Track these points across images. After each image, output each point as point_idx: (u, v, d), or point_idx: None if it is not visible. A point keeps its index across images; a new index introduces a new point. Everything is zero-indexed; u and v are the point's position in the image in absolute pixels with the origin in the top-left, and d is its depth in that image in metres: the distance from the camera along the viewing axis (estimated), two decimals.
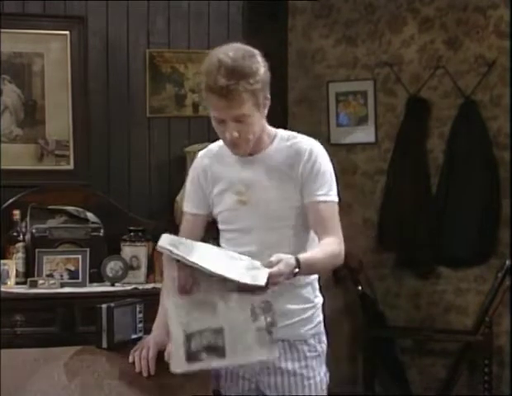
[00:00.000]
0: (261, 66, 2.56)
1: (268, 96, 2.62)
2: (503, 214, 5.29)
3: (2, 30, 4.73)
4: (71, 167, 4.93)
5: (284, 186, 2.65)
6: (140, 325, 2.85)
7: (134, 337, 2.82)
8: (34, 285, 4.30)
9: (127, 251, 4.57)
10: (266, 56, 5.51)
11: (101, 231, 4.60)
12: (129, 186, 5.07)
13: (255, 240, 2.66)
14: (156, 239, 4.78)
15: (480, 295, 5.34)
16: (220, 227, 2.80)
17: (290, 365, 2.70)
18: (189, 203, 2.85)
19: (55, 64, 4.89)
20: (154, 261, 4.60)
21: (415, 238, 5.41)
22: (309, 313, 2.73)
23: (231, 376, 2.77)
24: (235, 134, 2.57)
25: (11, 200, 4.69)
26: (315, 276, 2.78)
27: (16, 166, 4.82)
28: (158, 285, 4.36)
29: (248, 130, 2.58)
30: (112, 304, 2.76)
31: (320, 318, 2.79)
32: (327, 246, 2.64)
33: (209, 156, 2.80)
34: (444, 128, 5.42)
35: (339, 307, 5.46)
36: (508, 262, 5.09)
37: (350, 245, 5.77)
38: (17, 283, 4.40)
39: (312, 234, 2.71)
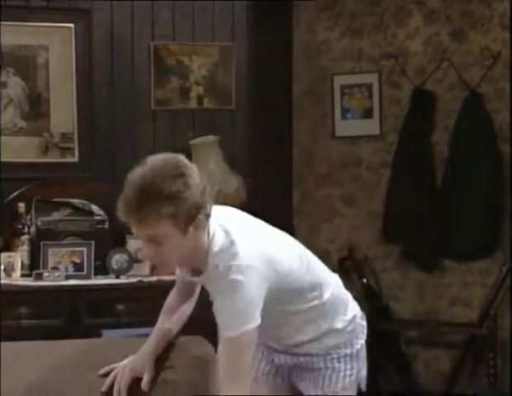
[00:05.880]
0: (190, 188, 2.36)
1: (203, 216, 2.41)
2: (507, 207, 5.28)
3: (7, 22, 4.73)
4: (76, 159, 4.93)
5: None
6: None
7: None
8: (39, 277, 4.31)
9: (132, 243, 4.57)
10: (271, 49, 5.49)
11: (106, 224, 4.61)
12: None
13: None
14: None
15: (485, 288, 5.33)
16: None
17: (315, 364, 2.74)
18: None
19: (60, 57, 4.89)
20: None
21: (420, 230, 5.40)
22: (322, 338, 2.73)
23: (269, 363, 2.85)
24: (149, 254, 2.45)
25: (15, 193, 4.69)
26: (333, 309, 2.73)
27: (21, 158, 4.82)
28: (163, 278, 4.36)
29: (166, 252, 2.40)
30: None
31: (350, 328, 2.76)
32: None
33: None
34: (449, 120, 5.41)
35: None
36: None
37: (355, 237, 5.80)
38: (22, 275, 4.41)
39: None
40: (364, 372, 2.79)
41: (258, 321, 2.43)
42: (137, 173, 2.41)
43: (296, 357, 2.77)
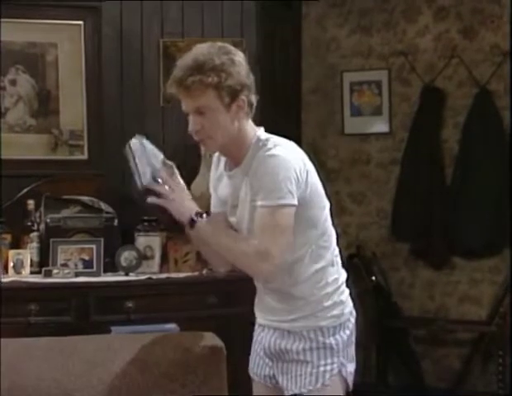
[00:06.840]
0: (234, 65, 2.54)
1: (246, 99, 2.57)
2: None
3: (16, 19, 4.74)
4: (85, 156, 4.93)
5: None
6: None
7: None
8: (48, 274, 4.31)
9: (141, 240, 4.57)
10: (280, 45, 5.47)
11: (115, 221, 4.60)
12: None
13: None
14: (170, 229, 4.78)
15: (494, 286, 5.33)
16: None
17: (295, 354, 2.70)
18: (212, 200, 2.83)
19: (69, 54, 4.89)
20: (168, 251, 4.61)
21: (429, 228, 5.40)
22: (310, 309, 2.70)
23: (258, 358, 2.82)
24: (195, 127, 2.58)
25: (25, 190, 4.69)
26: (314, 274, 2.70)
27: (30, 156, 4.82)
28: (172, 275, 4.37)
29: (211, 125, 2.55)
30: None
31: (335, 312, 2.75)
32: (244, 240, 2.57)
33: (216, 167, 2.80)
34: (459, 117, 5.40)
35: (353, 297, 5.45)
36: None
37: (364, 235, 5.78)
38: (32, 272, 4.41)
39: (310, 238, 2.64)
40: (350, 369, 2.76)
41: (295, 201, 2.49)
42: (184, 56, 2.60)
43: (281, 336, 2.71)
